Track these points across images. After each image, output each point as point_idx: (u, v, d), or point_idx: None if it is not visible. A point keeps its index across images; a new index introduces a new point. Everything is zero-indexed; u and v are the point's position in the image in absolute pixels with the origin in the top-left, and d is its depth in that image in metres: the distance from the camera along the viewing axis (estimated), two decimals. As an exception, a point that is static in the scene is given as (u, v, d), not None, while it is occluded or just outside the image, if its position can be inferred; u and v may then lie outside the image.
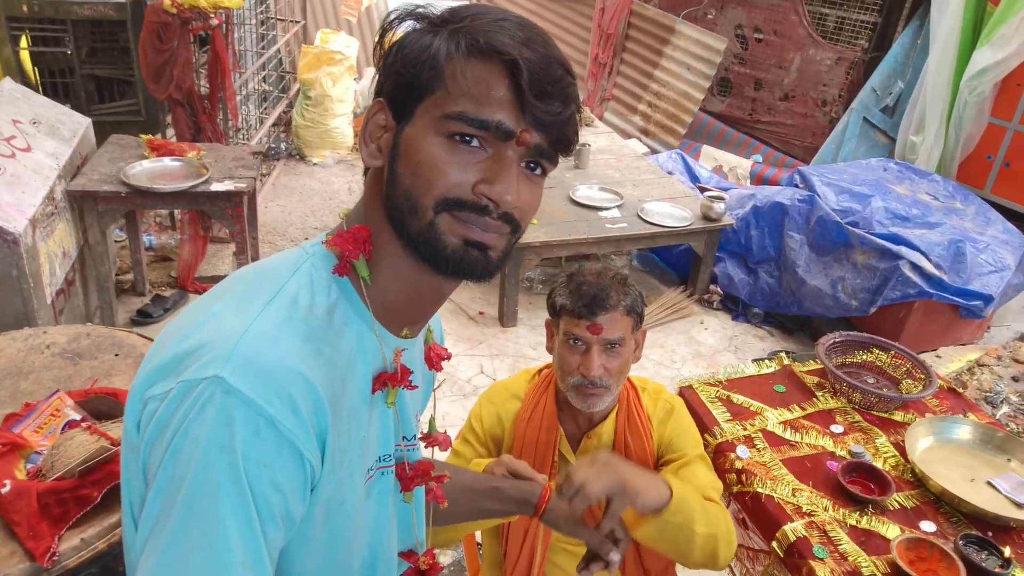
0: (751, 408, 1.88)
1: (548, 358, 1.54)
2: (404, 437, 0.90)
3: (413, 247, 0.77)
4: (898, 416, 1.89)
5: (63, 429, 1.59)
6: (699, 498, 1.33)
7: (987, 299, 3.54)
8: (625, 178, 4.47)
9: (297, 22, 6.37)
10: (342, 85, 5.56)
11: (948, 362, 3.51)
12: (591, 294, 1.38)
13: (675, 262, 4.47)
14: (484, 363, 3.56)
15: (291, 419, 0.68)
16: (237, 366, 0.67)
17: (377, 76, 0.81)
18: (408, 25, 0.78)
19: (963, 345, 3.82)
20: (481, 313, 3.95)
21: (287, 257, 0.81)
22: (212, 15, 3.67)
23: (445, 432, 0.98)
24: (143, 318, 3.53)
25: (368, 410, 0.82)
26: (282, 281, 0.76)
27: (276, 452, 0.68)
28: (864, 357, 2.06)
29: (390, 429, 0.87)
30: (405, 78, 0.75)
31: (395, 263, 0.80)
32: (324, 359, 0.74)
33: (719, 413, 1.86)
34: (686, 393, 1.93)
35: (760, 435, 1.79)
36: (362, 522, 0.85)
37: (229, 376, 0.67)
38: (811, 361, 2.13)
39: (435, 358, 0.94)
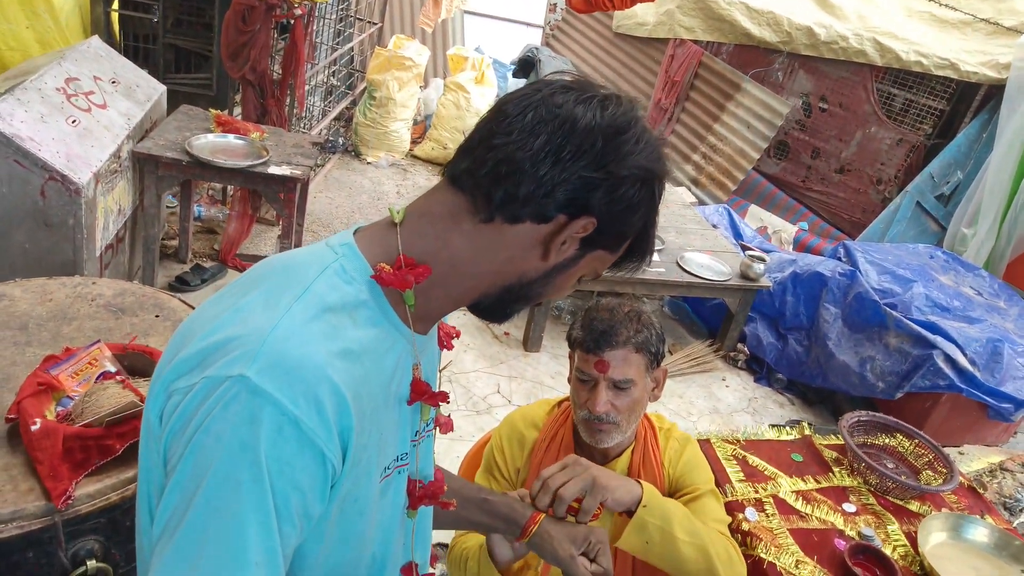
0: (766, 472, 1.87)
1: (565, 389, 1.55)
2: (417, 432, 0.91)
3: (487, 314, 0.89)
4: (913, 506, 1.86)
5: (97, 379, 1.63)
6: (685, 510, 1.34)
7: (1018, 403, 3.46)
8: (669, 224, 4.48)
9: (374, 23, 6.52)
10: (408, 91, 5.66)
11: (970, 460, 3.43)
12: (600, 329, 1.38)
13: (706, 315, 4.45)
14: (502, 383, 3.58)
15: (315, 419, 0.69)
16: (264, 366, 0.68)
17: (609, 182, 0.82)
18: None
19: (987, 446, 3.74)
20: (507, 334, 3.97)
21: (315, 253, 0.81)
22: (297, 5, 3.79)
23: (449, 416, 0.99)
24: (181, 284, 3.62)
25: (387, 410, 0.83)
26: (309, 279, 0.77)
27: (298, 451, 0.69)
28: (887, 441, 2.04)
29: (407, 428, 0.89)
30: (623, 234, 0.89)
31: (450, 292, 0.83)
32: (350, 359, 0.74)
33: (733, 471, 1.85)
34: (703, 447, 1.92)
35: (771, 500, 1.77)
36: (375, 518, 0.86)
37: (255, 376, 0.67)
38: (832, 435, 2.11)
39: (444, 337, 0.99)
